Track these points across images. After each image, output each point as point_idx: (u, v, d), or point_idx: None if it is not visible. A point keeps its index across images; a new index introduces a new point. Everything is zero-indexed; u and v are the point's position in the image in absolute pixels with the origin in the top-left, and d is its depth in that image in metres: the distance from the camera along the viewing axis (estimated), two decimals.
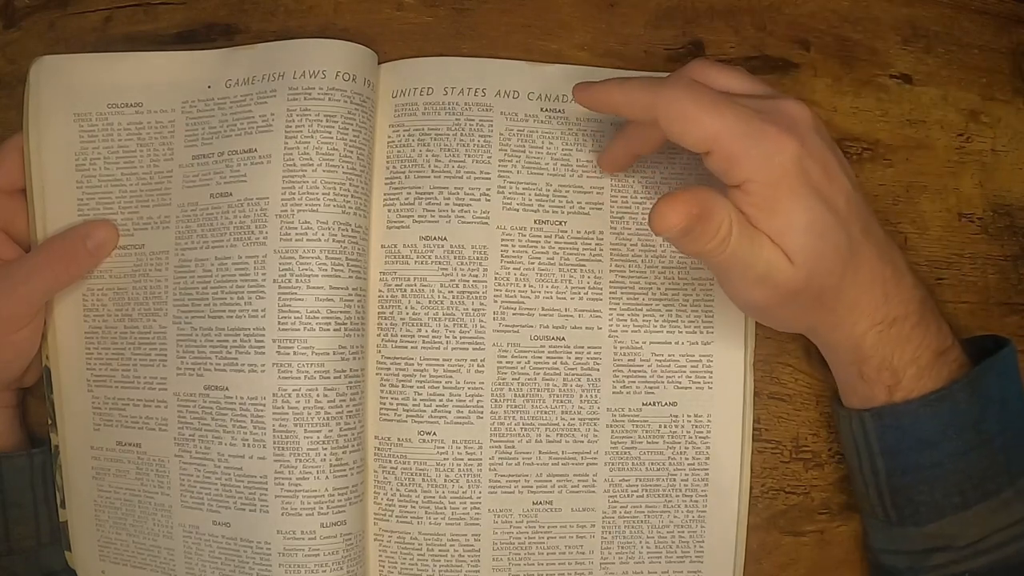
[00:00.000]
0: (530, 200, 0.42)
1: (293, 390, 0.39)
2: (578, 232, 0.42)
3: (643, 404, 0.42)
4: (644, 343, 0.42)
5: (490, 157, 0.42)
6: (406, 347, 0.41)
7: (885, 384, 0.37)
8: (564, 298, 0.42)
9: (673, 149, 0.42)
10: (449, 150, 0.41)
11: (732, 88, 0.36)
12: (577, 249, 0.42)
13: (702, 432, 0.42)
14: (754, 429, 0.42)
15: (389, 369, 0.41)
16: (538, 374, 0.41)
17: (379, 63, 0.42)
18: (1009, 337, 0.39)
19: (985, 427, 0.37)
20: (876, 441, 0.38)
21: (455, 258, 0.41)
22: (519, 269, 0.41)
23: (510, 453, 0.41)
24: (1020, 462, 0.37)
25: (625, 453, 0.42)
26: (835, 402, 0.41)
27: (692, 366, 0.42)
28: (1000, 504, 0.37)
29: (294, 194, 0.39)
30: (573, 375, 0.41)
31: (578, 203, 0.42)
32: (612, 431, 0.42)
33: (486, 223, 0.41)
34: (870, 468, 0.39)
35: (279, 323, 0.39)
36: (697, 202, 0.31)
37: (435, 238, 0.41)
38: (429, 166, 0.41)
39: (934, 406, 0.36)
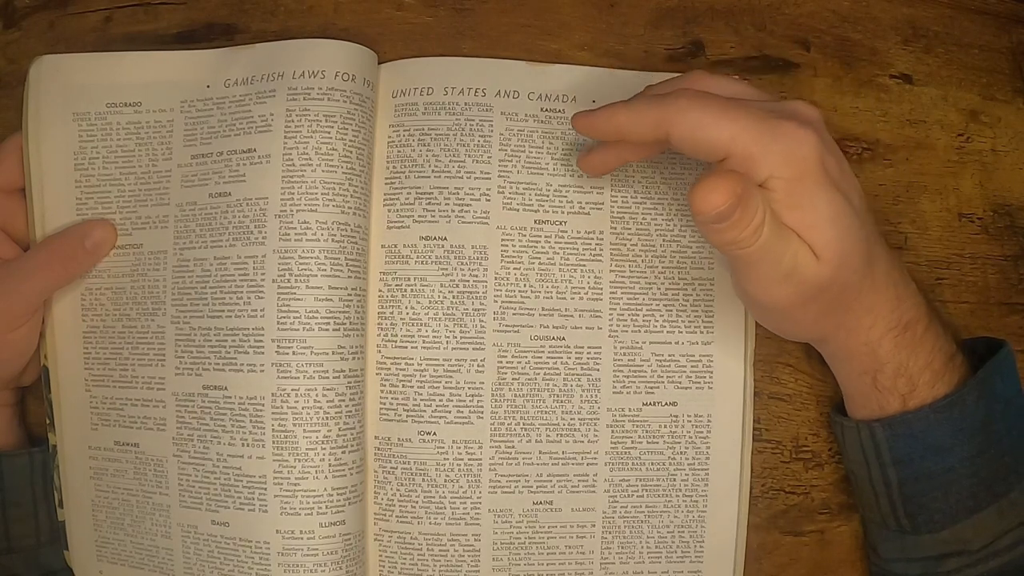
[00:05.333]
0: (530, 200, 0.42)
1: (292, 390, 0.38)
2: (578, 232, 0.42)
3: (643, 404, 0.42)
4: (644, 343, 0.42)
5: (490, 157, 0.41)
6: (406, 347, 0.41)
7: (900, 393, 0.37)
8: (564, 298, 0.42)
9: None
10: (449, 150, 0.41)
11: (735, 92, 0.35)
12: (577, 249, 0.42)
13: (702, 432, 0.42)
14: (754, 429, 0.42)
15: (389, 369, 0.41)
16: (538, 374, 0.41)
17: (379, 63, 0.42)
18: (1006, 338, 0.39)
19: (993, 428, 0.37)
20: (887, 451, 0.38)
21: (455, 258, 0.41)
22: (519, 269, 0.41)
23: (510, 453, 0.41)
24: None
25: (625, 453, 0.42)
26: (835, 414, 0.41)
27: (692, 366, 0.42)
28: (1009, 504, 0.37)
29: (293, 194, 0.39)
30: (573, 375, 0.41)
31: (578, 203, 0.42)
32: (612, 431, 0.42)
33: (486, 223, 0.41)
34: (881, 479, 0.38)
35: (278, 323, 0.39)
36: (740, 182, 0.31)
37: (435, 238, 0.41)
38: (429, 166, 0.41)
39: (945, 411, 0.36)
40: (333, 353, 0.39)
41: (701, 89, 0.34)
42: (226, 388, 0.39)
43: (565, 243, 0.42)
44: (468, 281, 0.41)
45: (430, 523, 0.41)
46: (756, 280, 0.34)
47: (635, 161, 0.40)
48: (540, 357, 0.41)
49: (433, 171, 0.41)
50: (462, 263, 0.41)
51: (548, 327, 0.41)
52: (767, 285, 0.34)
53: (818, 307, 0.35)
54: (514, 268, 0.41)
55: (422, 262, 0.41)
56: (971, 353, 0.38)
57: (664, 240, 0.42)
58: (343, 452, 0.39)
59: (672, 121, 0.33)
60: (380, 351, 0.41)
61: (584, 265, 0.42)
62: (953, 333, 0.39)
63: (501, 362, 0.41)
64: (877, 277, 0.36)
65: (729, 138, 0.32)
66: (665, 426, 0.42)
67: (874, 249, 0.35)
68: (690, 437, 0.42)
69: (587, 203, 0.42)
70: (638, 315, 0.42)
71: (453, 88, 0.42)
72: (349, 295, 0.39)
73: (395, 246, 0.41)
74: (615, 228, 0.42)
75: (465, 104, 0.42)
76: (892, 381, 0.37)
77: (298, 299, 0.39)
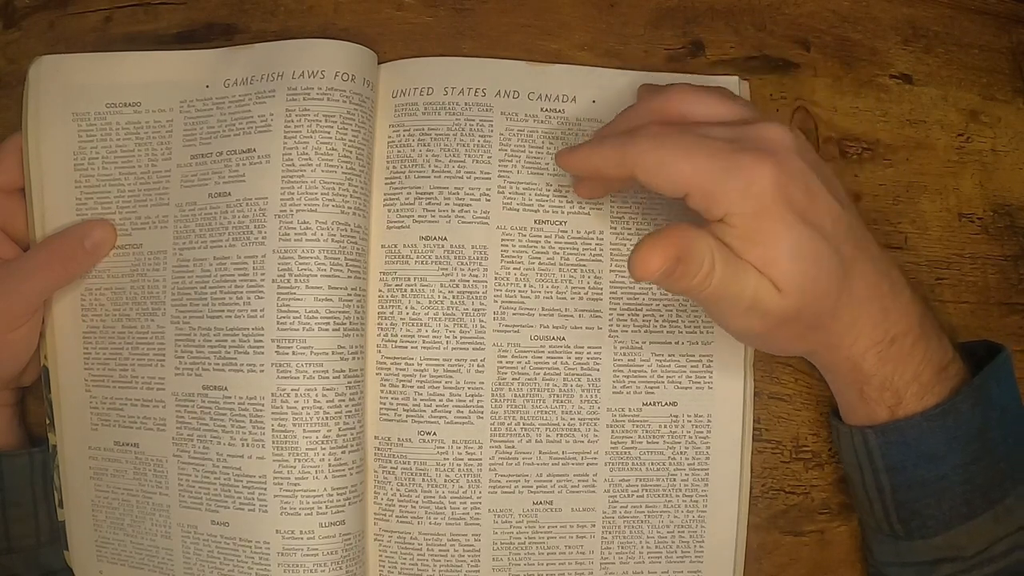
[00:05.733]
0: (530, 200, 0.42)
1: (292, 390, 0.38)
2: (578, 232, 0.42)
3: (643, 404, 0.42)
4: (644, 343, 0.42)
5: (490, 157, 0.41)
6: (406, 347, 0.41)
7: (887, 404, 0.37)
8: (564, 298, 0.42)
9: None
10: (449, 150, 0.41)
11: (711, 114, 0.35)
12: (577, 249, 0.42)
13: (702, 432, 0.42)
14: (754, 429, 0.42)
15: (389, 369, 0.41)
16: (538, 374, 0.41)
17: (379, 63, 0.42)
18: (1006, 338, 0.39)
19: (989, 436, 0.37)
20: (880, 458, 0.38)
21: (455, 258, 0.41)
22: (519, 269, 0.41)
23: (510, 453, 0.41)
24: (1022, 468, 0.37)
25: (625, 453, 0.42)
26: (833, 417, 0.41)
27: (692, 366, 0.42)
28: (1004, 511, 0.37)
29: (293, 194, 0.39)
30: (573, 375, 0.41)
31: (578, 203, 0.42)
32: (612, 431, 0.42)
33: (486, 223, 0.41)
34: (874, 484, 0.38)
35: (278, 323, 0.39)
36: (675, 244, 0.31)
37: (435, 238, 0.41)
38: (429, 166, 0.41)
39: (938, 419, 0.36)
40: (333, 353, 0.39)
41: (679, 106, 0.35)
42: (226, 388, 0.39)
43: (565, 243, 0.42)
44: (468, 281, 0.41)
45: (430, 523, 0.41)
46: (721, 314, 0.35)
47: (620, 190, 0.41)
48: (540, 357, 0.41)
49: (433, 171, 0.41)
50: (462, 263, 0.41)
51: (548, 327, 0.41)
52: (732, 318, 0.35)
53: (791, 332, 0.35)
54: (514, 268, 0.41)
55: (422, 262, 0.41)
56: (970, 356, 0.38)
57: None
58: (343, 452, 0.39)
59: (635, 163, 0.34)
60: (380, 351, 0.41)
61: (584, 265, 0.42)
62: (949, 336, 0.38)
63: (501, 362, 0.41)
64: (857, 295, 0.35)
65: (687, 177, 0.33)
66: (665, 426, 0.42)
67: (853, 268, 0.35)
68: (690, 437, 0.42)
69: (587, 203, 0.42)
70: (638, 315, 0.42)
71: (453, 88, 0.42)
72: (349, 295, 0.39)
73: (395, 246, 0.41)
74: (615, 228, 0.42)
75: (465, 104, 0.42)
76: (878, 393, 0.37)
77: (298, 299, 0.39)
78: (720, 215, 0.33)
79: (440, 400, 0.41)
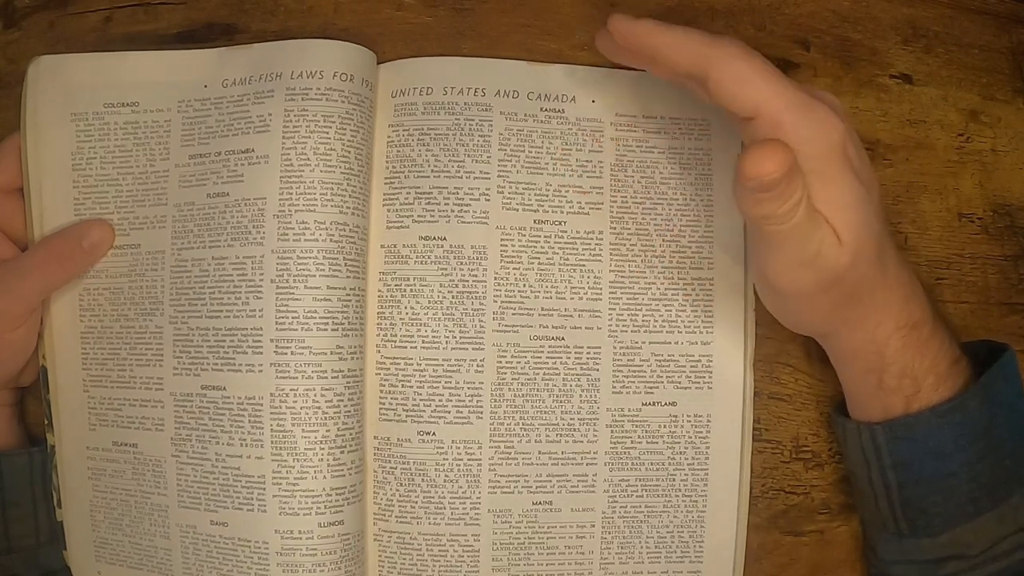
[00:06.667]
0: (530, 200, 0.42)
1: (291, 390, 0.38)
2: (578, 232, 0.42)
3: (643, 404, 0.42)
4: (644, 343, 0.42)
5: (490, 157, 0.41)
6: (406, 347, 0.41)
7: (905, 394, 0.37)
8: (564, 298, 0.41)
9: (674, 147, 0.42)
10: (449, 150, 0.41)
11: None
12: (577, 249, 0.42)
13: (702, 432, 0.42)
14: (754, 429, 0.42)
15: (389, 369, 0.41)
16: (538, 374, 0.41)
17: (379, 63, 0.42)
18: (1006, 338, 0.39)
19: (995, 434, 0.37)
20: (888, 454, 0.38)
21: (455, 258, 0.41)
22: (519, 269, 0.41)
23: (510, 453, 0.41)
24: None
25: (625, 453, 0.42)
26: (837, 415, 0.41)
27: (692, 366, 0.42)
28: (1009, 510, 0.37)
29: (291, 194, 0.39)
30: (573, 375, 0.41)
31: (578, 203, 0.42)
32: (612, 431, 0.41)
33: (486, 223, 0.41)
34: (881, 481, 0.38)
35: (277, 323, 0.38)
36: (791, 155, 0.30)
37: (435, 238, 0.41)
38: (429, 166, 0.41)
39: (947, 416, 0.36)
40: (332, 353, 0.39)
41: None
42: (224, 388, 0.39)
43: (565, 243, 0.42)
44: (467, 281, 0.41)
45: (429, 523, 0.41)
46: (779, 262, 0.34)
47: (650, 71, 0.37)
48: (540, 357, 0.41)
49: (432, 171, 0.41)
50: (461, 263, 0.41)
51: (547, 327, 0.41)
52: (789, 268, 0.34)
53: (832, 297, 0.35)
54: (513, 268, 0.41)
55: (421, 262, 0.41)
56: (972, 356, 0.38)
57: (663, 240, 0.42)
58: (342, 452, 0.39)
59: (716, 62, 0.32)
60: (379, 351, 0.41)
61: (584, 265, 0.42)
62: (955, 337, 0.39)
63: (500, 362, 0.41)
64: (889, 274, 0.36)
65: (765, 99, 0.32)
66: (665, 426, 0.42)
67: (886, 247, 0.35)
68: (690, 437, 0.42)
69: (587, 203, 0.42)
70: (637, 315, 0.42)
71: (452, 88, 0.42)
72: (348, 295, 0.39)
73: (394, 246, 0.41)
74: (615, 228, 0.42)
75: (464, 104, 0.42)
76: (897, 381, 0.37)
77: (296, 299, 0.39)
78: None
79: (439, 400, 0.41)
